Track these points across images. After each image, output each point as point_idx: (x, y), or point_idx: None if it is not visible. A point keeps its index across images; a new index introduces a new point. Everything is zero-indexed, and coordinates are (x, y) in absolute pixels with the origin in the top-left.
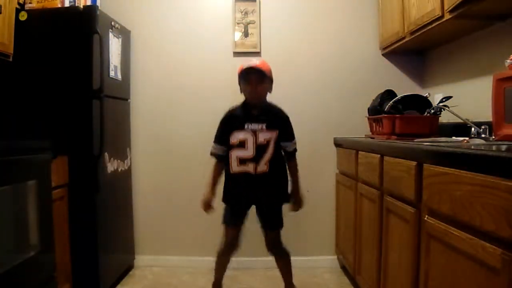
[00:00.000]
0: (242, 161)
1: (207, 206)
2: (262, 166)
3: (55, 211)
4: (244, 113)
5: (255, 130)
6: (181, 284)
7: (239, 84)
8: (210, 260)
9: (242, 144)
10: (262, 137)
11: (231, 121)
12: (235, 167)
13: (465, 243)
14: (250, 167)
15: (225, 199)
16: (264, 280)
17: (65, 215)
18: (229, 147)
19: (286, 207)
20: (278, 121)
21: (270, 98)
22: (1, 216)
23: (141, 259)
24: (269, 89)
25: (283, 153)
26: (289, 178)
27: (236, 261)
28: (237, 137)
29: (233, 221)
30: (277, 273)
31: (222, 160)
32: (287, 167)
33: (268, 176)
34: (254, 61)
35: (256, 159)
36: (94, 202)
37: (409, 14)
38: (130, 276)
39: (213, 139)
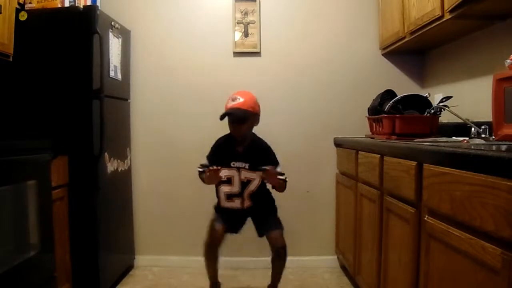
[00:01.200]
0: (229, 196)
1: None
2: (247, 202)
3: (55, 211)
4: (230, 150)
5: (239, 168)
6: (181, 284)
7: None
8: None
9: (229, 180)
10: (244, 175)
11: (219, 154)
12: (224, 202)
13: (465, 243)
14: (237, 203)
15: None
16: (264, 280)
17: (65, 215)
18: (218, 182)
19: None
20: (261, 158)
21: (271, 99)
22: (1, 216)
23: (141, 259)
24: (255, 122)
25: None
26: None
27: (236, 261)
28: (224, 173)
29: (221, 220)
30: None
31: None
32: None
33: (254, 207)
34: (236, 101)
35: (241, 194)
36: (94, 202)
37: (409, 14)
38: (130, 276)
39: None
